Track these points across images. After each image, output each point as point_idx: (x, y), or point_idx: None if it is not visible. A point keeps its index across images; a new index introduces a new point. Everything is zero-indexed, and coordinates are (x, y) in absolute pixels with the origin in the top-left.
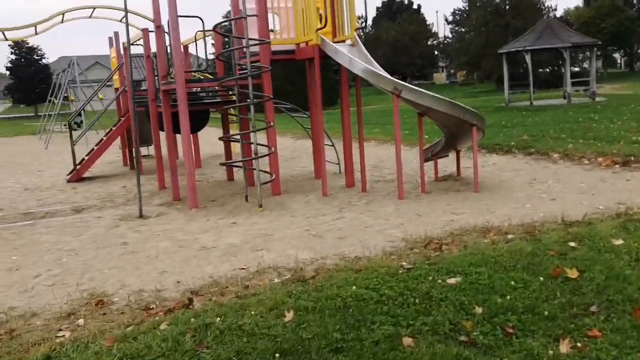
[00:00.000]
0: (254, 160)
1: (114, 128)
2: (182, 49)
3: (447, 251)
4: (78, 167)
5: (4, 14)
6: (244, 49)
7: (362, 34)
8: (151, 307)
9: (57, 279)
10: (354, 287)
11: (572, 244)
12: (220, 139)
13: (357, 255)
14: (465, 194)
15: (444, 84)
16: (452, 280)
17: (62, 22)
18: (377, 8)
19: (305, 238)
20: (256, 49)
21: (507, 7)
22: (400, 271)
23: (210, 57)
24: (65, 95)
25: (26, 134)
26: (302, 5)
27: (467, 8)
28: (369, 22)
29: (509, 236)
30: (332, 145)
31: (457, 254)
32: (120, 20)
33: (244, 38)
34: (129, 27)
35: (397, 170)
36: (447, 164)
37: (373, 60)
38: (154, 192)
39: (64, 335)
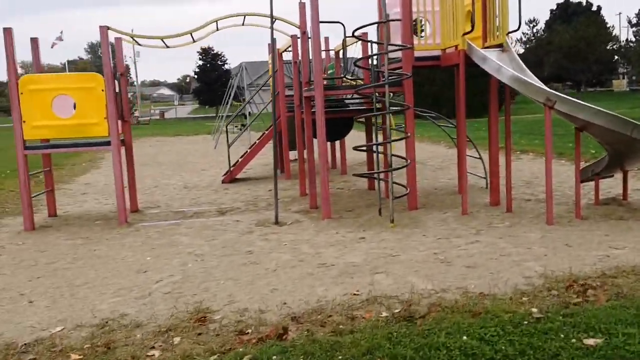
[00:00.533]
0: (388, 173)
1: (266, 132)
2: (322, 55)
3: (593, 298)
4: (232, 168)
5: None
6: (384, 55)
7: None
8: (247, 331)
9: (175, 286)
10: (466, 336)
11: None
12: (354, 148)
13: (482, 291)
14: (629, 224)
15: (623, 91)
16: (590, 341)
17: (217, 29)
18: (551, 10)
19: (431, 263)
20: (399, 54)
21: None
22: (528, 321)
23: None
24: (242, 98)
25: (203, 133)
26: (450, 7)
27: None
28: (541, 25)
29: None
30: (480, 158)
31: (604, 305)
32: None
33: (382, 43)
34: (280, 33)
35: (546, 191)
36: (612, 185)
37: (525, 68)
38: (296, 197)
39: (153, 355)
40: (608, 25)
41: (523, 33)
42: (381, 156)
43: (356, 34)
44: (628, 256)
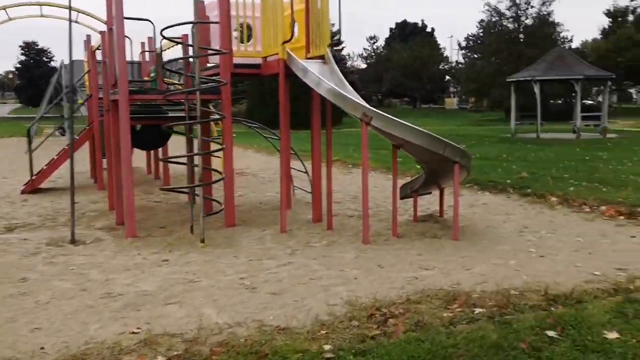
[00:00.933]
0: (198, 188)
1: (77, 137)
2: (125, 54)
3: (393, 328)
4: (34, 177)
5: None
6: (192, 60)
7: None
8: None
9: None
10: None
11: (551, 333)
12: (161, 160)
13: (279, 324)
14: (442, 242)
15: (453, 109)
16: None
17: (9, 18)
18: (391, 29)
19: (234, 290)
20: (217, 60)
21: (522, 35)
22: None
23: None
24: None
25: (20, 135)
26: (271, 13)
27: (481, 34)
28: (381, 42)
29: (477, 310)
30: (305, 172)
31: (400, 338)
32: (76, 21)
33: (191, 46)
34: (87, 29)
35: (363, 209)
36: (432, 201)
37: (345, 82)
38: (104, 211)
39: None
40: (440, 47)
41: (364, 49)
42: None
43: (174, 35)
44: (435, 278)
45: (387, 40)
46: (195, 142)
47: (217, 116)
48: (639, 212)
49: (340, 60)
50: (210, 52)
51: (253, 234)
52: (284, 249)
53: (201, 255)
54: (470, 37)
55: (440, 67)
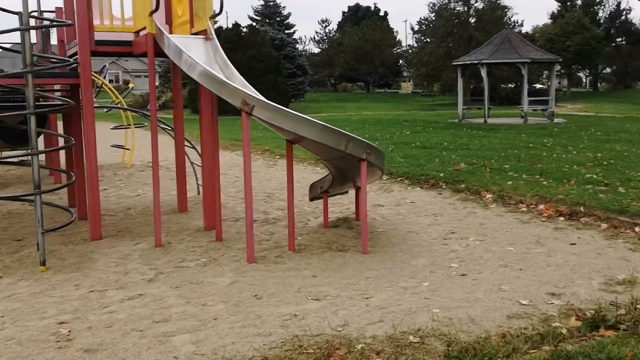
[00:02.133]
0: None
1: None
2: None
3: None
4: None
5: None
6: (21, 33)
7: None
8: None
9: None
10: None
11: None
12: None
13: None
14: (348, 257)
15: (407, 93)
16: None
17: None
18: (343, 12)
19: (38, 345)
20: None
21: (472, 18)
22: None
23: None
24: None
25: None
26: None
27: (433, 18)
28: (333, 26)
29: None
30: (192, 165)
31: None
32: None
33: (15, 13)
34: None
35: (246, 219)
36: (352, 200)
37: (229, 64)
38: None
39: None
40: (393, 31)
41: (316, 32)
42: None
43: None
44: (320, 314)
45: (339, 23)
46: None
47: (60, 105)
48: (581, 213)
49: (288, 44)
50: (46, 24)
51: (119, 249)
52: (145, 273)
53: (33, 284)
54: (423, 21)
55: (394, 51)
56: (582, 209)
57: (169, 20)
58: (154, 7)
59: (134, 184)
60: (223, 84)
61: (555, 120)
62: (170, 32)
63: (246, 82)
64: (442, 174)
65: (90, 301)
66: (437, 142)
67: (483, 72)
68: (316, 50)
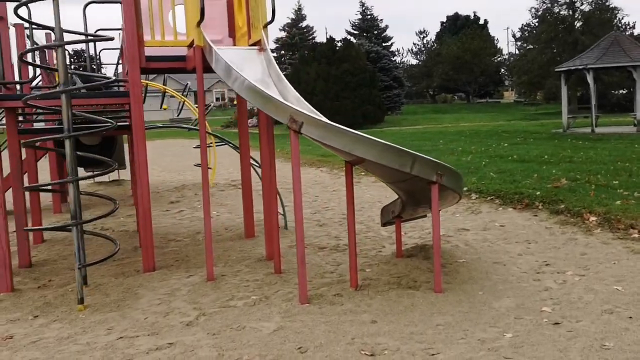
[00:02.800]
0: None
1: None
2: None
3: None
4: None
5: None
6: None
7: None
8: None
9: None
10: None
11: None
12: (25, 189)
13: None
14: (417, 297)
15: (509, 103)
16: None
17: None
18: (442, 22)
19: None
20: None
21: (577, 21)
22: None
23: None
24: None
25: None
26: None
27: (536, 24)
28: (431, 37)
29: None
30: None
31: None
32: None
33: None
34: None
35: (297, 254)
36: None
37: (283, 77)
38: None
39: None
40: (494, 39)
41: (414, 44)
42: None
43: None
44: None
45: (437, 34)
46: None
47: (107, 125)
48: None
49: (384, 57)
50: (83, 37)
51: (170, 283)
52: (186, 314)
53: (65, 327)
54: (525, 28)
55: (494, 59)
56: None
57: (232, 33)
58: (199, 18)
59: (212, 204)
60: (268, 99)
61: None
62: (234, 45)
63: (301, 98)
64: (538, 192)
65: (114, 351)
66: (537, 154)
67: (589, 78)
68: (414, 62)
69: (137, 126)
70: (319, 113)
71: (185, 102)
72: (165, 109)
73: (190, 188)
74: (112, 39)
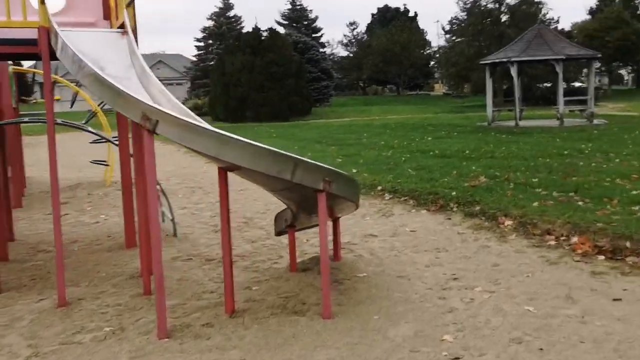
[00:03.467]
0: None
1: None
2: None
3: None
4: None
5: None
6: None
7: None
8: None
9: None
10: None
11: None
12: None
13: None
14: (302, 324)
15: (438, 95)
16: None
17: None
18: (372, 14)
19: None
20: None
21: (504, 15)
22: None
23: None
24: None
25: None
26: None
27: (464, 17)
28: (362, 28)
29: None
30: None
31: None
32: None
33: None
34: None
35: (155, 281)
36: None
37: (147, 69)
38: None
39: None
40: (423, 31)
41: (344, 35)
42: None
43: None
44: None
45: (368, 25)
46: None
47: None
48: (626, 249)
49: (312, 47)
50: None
51: (14, 309)
52: (15, 353)
53: None
54: (455, 21)
55: (423, 52)
56: (628, 243)
57: (107, 14)
58: None
59: (102, 206)
60: (118, 93)
61: (595, 121)
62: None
63: (166, 92)
64: (454, 192)
65: None
66: (459, 149)
67: (513, 71)
68: (344, 53)
69: None
70: (189, 111)
71: (79, 93)
72: (58, 100)
73: (84, 187)
74: None
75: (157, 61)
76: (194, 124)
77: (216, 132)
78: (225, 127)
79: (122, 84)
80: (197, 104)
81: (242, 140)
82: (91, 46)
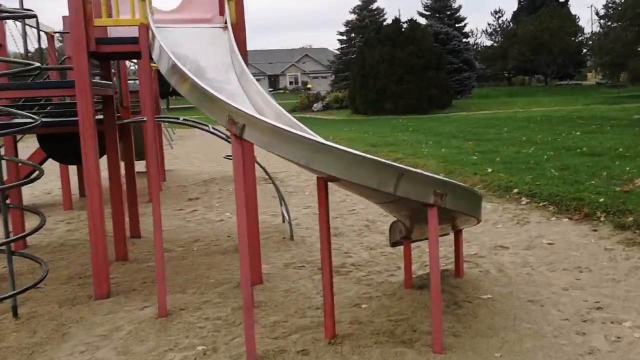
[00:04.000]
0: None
1: None
2: None
3: None
4: None
5: None
6: None
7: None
8: None
9: None
10: None
11: None
12: None
13: None
14: (409, 358)
15: (590, 85)
16: None
17: None
18: (519, 1)
19: None
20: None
21: None
22: None
23: None
24: None
25: None
26: None
27: (622, 0)
28: (507, 16)
29: None
30: (276, 189)
31: None
32: None
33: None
34: None
35: (244, 301)
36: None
37: (246, 68)
38: None
39: None
40: (576, 17)
41: (488, 24)
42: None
43: None
44: None
45: (514, 13)
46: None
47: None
48: None
49: (454, 38)
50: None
51: (116, 317)
52: None
53: None
54: (610, 5)
55: (575, 39)
56: None
57: (222, 10)
58: None
59: (230, 203)
60: (204, 94)
61: None
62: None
63: (264, 93)
64: (602, 199)
65: None
66: (611, 146)
67: None
68: (488, 43)
69: (85, 125)
70: (288, 115)
71: None
72: None
73: (217, 182)
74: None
75: (303, 55)
76: (283, 129)
77: (308, 138)
78: (364, 120)
79: (221, 85)
80: (337, 96)
81: (336, 148)
82: (188, 43)
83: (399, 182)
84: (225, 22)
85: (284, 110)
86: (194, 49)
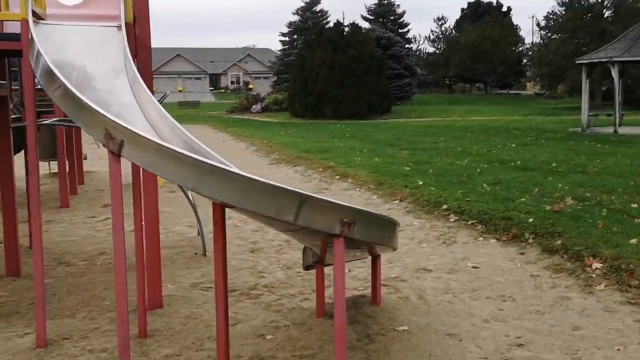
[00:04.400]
0: None
1: None
2: None
3: None
4: None
5: None
6: None
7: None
8: None
9: None
10: None
11: None
12: None
13: None
14: None
15: (529, 95)
16: None
17: None
18: (462, 9)
19: None
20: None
21: (606, 10)
22: None
23: None
24: None
25: None
26: None
27: (562, 12)
28: (450, 24)
29: None
30: (189, 199)
31: None
32: None
33: None
34: None
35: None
36: (392, 260)
37: (138, 76)
38: None
39: None
40: (516, 27)
41: (431, 31)
42: None
43: None
44: None
45: (457, 21)
46: None
47: None
48: None
49: (395, 43)
50: None
51: None
52: None
53: None
54: (551, 16)
55: (515, 49)
56: None
57: None
58: None
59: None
60: (80, 104)
61: None
62: None
63: (156, 103)
64: (531, 219)
65: None
66: (545, 160)
67: (614, 72)
68: (431, 49)
69: None
70: (187, 133)
71: None
72: (180, 91)
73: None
74: None
75: (246, 55)
76: (166, 147)
77: (196, 159)
78: (302, 124)
79: (110, 94)
80: (277, 98)
81: (228, 171)
82: (79, 45)
83: (299, 211)
84: (117, 19)
85: (179, 126)
86: (82, 51)
